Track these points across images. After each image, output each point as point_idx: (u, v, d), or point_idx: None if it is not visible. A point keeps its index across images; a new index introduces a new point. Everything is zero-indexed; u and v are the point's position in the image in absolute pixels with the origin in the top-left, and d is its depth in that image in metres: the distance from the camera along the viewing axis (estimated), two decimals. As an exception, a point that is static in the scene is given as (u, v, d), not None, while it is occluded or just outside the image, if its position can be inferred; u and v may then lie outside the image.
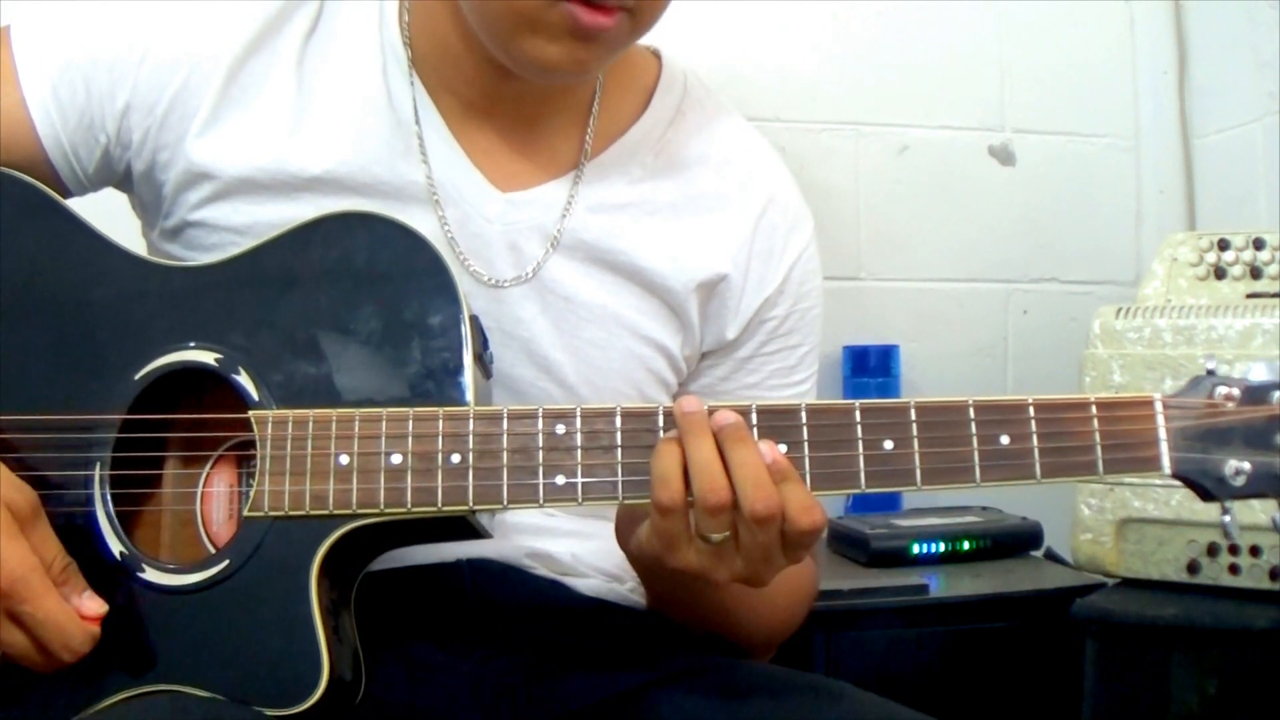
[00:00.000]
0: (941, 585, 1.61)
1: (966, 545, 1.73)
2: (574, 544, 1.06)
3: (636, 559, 0.95)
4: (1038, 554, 1.79)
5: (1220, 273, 1.56)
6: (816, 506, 0.82)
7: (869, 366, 1.96)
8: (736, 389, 1.10)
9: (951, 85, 2.08)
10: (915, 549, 1.70)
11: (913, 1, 2.05)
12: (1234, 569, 1.42)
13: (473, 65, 0.99)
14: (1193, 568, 1.44)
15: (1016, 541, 1.77)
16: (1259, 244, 1.55)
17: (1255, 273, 1.55)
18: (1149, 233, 2.09)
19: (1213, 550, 1.43)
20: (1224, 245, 1.57)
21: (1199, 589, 1.43)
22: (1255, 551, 1.40)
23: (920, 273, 2.06)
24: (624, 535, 0.93)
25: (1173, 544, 1.45)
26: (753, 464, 0.81)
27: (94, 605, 0.84)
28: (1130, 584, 1.49)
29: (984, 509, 1.85)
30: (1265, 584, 1.39)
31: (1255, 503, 1.29)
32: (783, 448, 0.84)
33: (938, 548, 1.71)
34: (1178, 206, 2.10)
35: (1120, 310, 1.51)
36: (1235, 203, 2.00)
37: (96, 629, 0.83)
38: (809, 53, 2.03)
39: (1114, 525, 1.48)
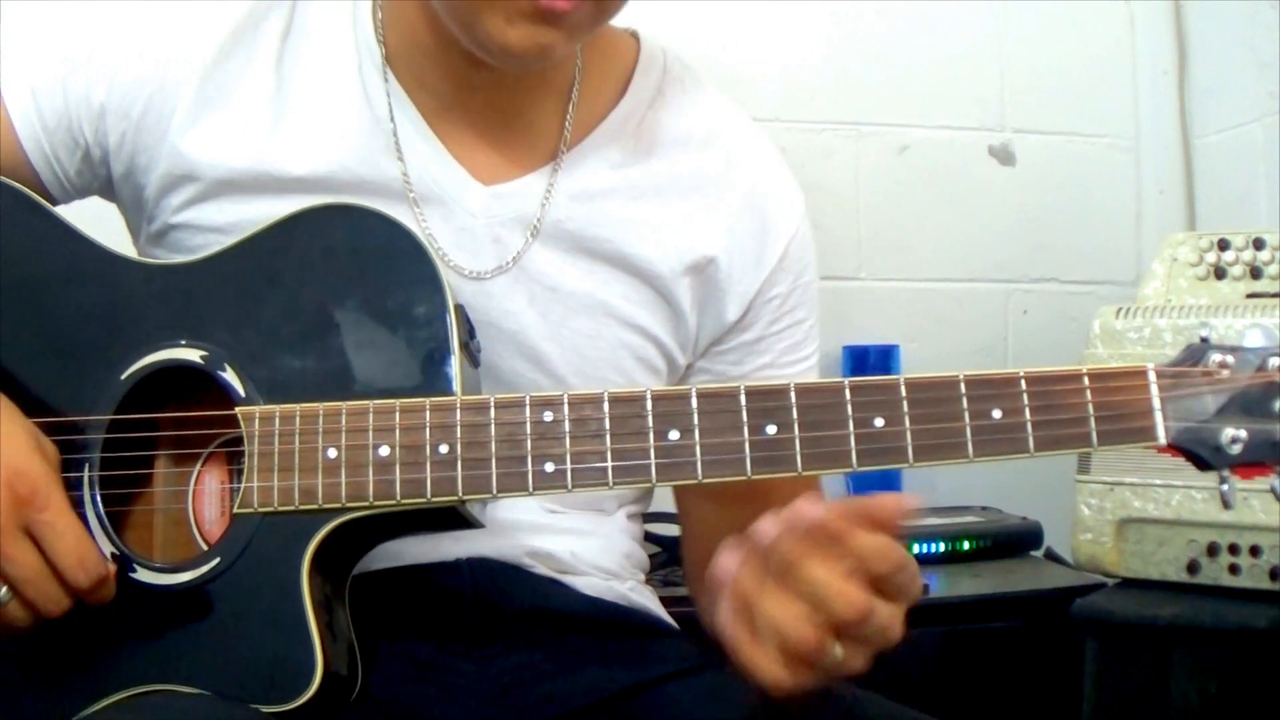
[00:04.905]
0: (941, 585, 1.61)
1: (966, 545, 1.73)
2: (573, 542, 1.05)
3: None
4: (1038, 554, 1.79)
5: (1220, 273, 1.56)
6: (891, 547, 0.77)
7: (869, 366, 1.96)
8: (750, 371, 1.09)
9: (951, 85, 2.08)
10: (915, 549, 1.69)
11: (913, 1, 2.05)
12: (1234, 569, 1.41)
13: (444, 59, 0.99)
14: (1193, 568, 1.44)
15: (1016, 541, 1.77)
16: (1259, 244, 1.55)
17: (1255, 273, 1.55)
18: (1149, 233, 2.10)
19: (1213, 550, 1.42)
20: (1224, 245, 1.56)
21: (1199, 589, 1.43)
22: (1255, 551, 1.40)
23: (920, 273, 2.06)
24: (706, 609, 0.92)
25: (1173, 544, 1.45)
26: (822, 582, 0.77)
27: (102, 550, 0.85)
28: (1130, 584, 1.49)
29: (984, 509, 1.85)
30: (1265, 584, 1.39)
31: (1255, 501, 1.30)
32: (772, 429, 0.83)
33: (938, 548, 1.71)
34: (1178, 206, 2.10)
35: (1120, 310, 1.51)
36: (1235, 203, 2.00)
37: (112, 564, 0.84)
38: (809, 53, 2.03)
39: (1114, 525, 1.48)
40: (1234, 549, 1.41)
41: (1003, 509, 1.85)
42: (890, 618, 0.78)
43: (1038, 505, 1.79)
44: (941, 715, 0.93)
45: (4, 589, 0.81)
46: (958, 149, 2.08)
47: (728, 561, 0.82)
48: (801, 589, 0.77)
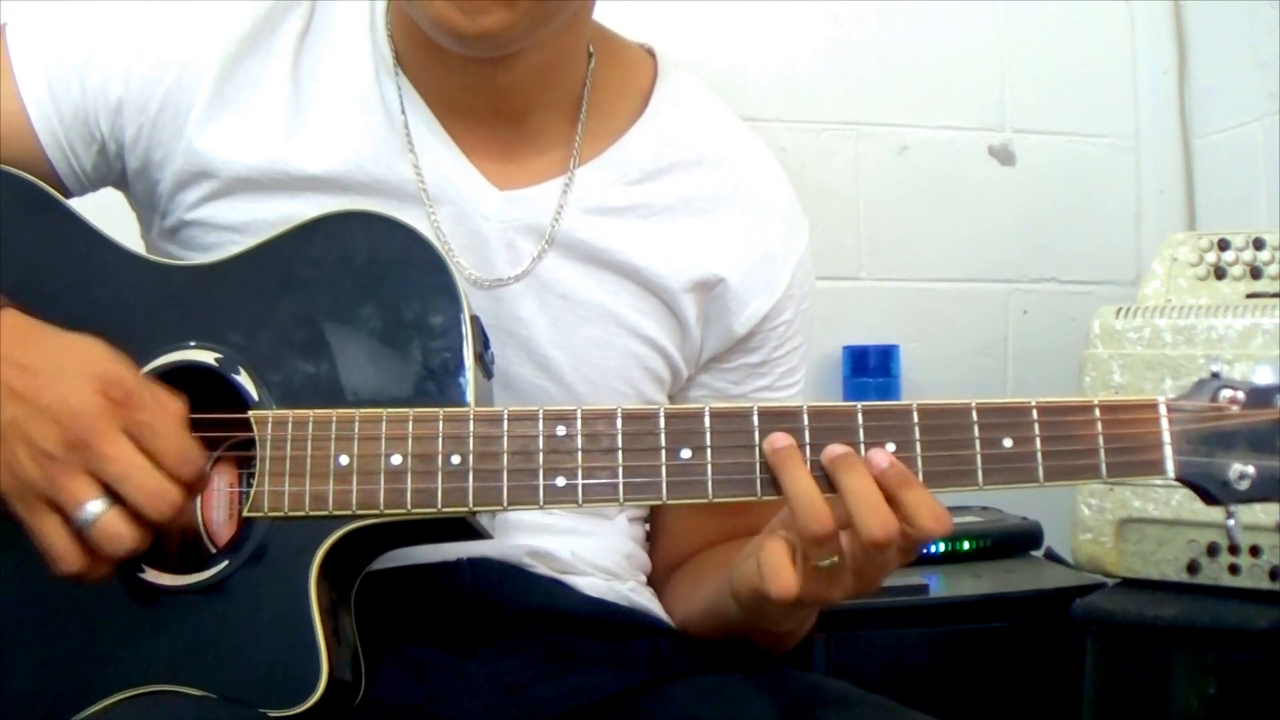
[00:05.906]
0: (941, 585, 1.61)
1: (966, 545, 1.73)
2: (574, 541, 1.05)
3: (736, 592, 0.93)
4: (1038, 554, 1.79)
5: (1220, 273, 1.56)
6: (944, 511, 0.82)
7: (869, 366, 1.96)
8: (750, 392, 1.11)
9: (951, 85, 2.08)
10: (914, 549, 1.69)
11: (913, 1, 2.05)
12: (1234, 569, 1.42)
13: (441, 56, 0.98)
14: (1193, 568, 1.44)
15: (1016, 541, 1.77)
16: (1259, 244, 1.55)
17: (1255, 273, 1.55)
18: (1149, 233, 2.10)
19: (1213, 550, 1.43)
20: (1224, 245, 1.57)
21: (1199, 589, 1.43)
22: (1255, 551, 1.40)
23: (920, 273, 2.07)
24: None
25: (1173, 544, 1.45)
26: (864, 490, 0.81)
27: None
28: (1130, 584, 1.49)
29: (984, 509, 1.85)
30: (1265, 584, 1.39)
31: (1258, 505, 1.29)
32: None
33: (938, 548, 1.71)
34: (1178, 206, 2.11)
35: (1120, 310, 1.51)
36: (1235, 203, 2.00)
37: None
38: (809, 53, 2.03)
39: (1114, 525, 1.48)
40: (1234, 549, 1.41)
41: (1002, 509, 1.85)
42: (890, 566, 0.83)
43: (1038, 505, 1.80)
44: (941, 715, 0.93)
45: (97, 501, 0.79)
46: (958, 149, 2.08)
47: (780, 440, 0.84)
48: (844, 484, 0.82)
